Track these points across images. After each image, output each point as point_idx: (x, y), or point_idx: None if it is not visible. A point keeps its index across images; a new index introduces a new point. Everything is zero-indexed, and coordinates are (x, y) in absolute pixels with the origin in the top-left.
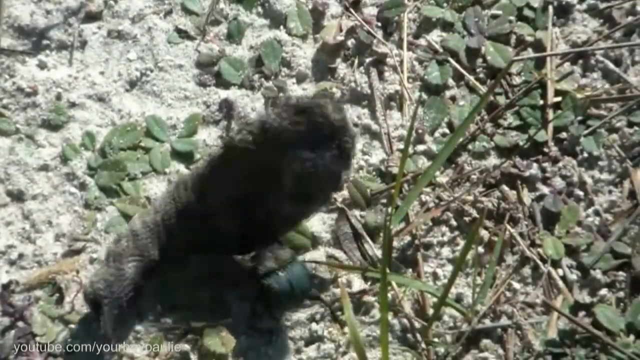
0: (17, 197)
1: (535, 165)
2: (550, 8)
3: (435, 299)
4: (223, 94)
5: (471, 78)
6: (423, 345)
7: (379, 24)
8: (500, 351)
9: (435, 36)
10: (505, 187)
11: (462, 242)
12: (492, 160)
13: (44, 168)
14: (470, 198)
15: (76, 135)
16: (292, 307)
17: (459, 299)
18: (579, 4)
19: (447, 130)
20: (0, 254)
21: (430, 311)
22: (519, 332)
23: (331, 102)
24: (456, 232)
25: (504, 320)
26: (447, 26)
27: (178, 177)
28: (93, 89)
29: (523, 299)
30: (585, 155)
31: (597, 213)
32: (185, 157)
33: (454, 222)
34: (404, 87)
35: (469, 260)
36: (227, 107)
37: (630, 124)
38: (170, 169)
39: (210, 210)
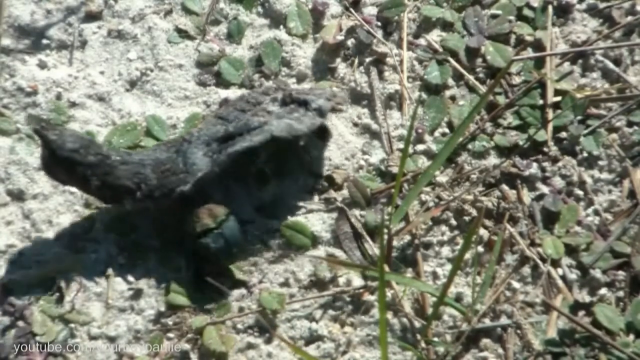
0: (18, 196)
1: (535, 164)
2: (550, 8)
3: (435, 299)
4: (223, 93)
5: (471, 78)
6: (423, 345)
7: (379, 23)
8: (500, 350)
9: (435, 36)
10: (505, 187)
11: (462, 242)
12: (492, 159)
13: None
14: (470, 197)
15: None
16: (229, 263)
17: (458, 298)
18: (579, 3)
19: (447, 130)
20: (0, 253)
21: (430, 310)
22: (518, 331)
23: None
24: (456, 232)
25: (504, 320)
26: (447, 26)
27: None
28: (93, 88)
29: (523, 298)
30: (585, 154)
31: (596, 212)
32: None
33: (453, 222)
34: (403, 86)
35: (468, 260)
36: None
37: (630, 124)
38: None
39: None
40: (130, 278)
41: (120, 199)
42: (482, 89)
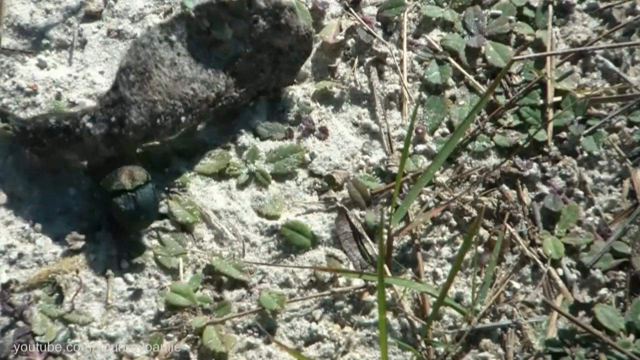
0: (17, 196)
1: (535, 164)
2: (550, 7)
3: (435, 299)
4: None
5: (471, 77)
6: (423, 345)
7: (379, 23)
8: (500, 351)
9: (435, 36)
10: (505, 187)
11: (462, 242)
12: (492, 159)
13: (44, 167)
14: (470, 197)
15: None
16: (136, 229)
17: (458, 298)
18: (579, 3)
19: (447, 130)
20: (0, 253)
21: (430, 311)
22: (518, 331)
23: None
24: (456, 232)
25: (504, 320)
26: (447, 26)
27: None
28: (93, 88)
29: (523, 299)
30: (585, 154)
31: (597, 212)
32: (185, 156)
33: (453, 222)
34: (403, 86)
35: (468, 260)
36: None
37: (630, 124)
38: (170, 168)
39: None
40: (130, 278)
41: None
42: (482, 88)
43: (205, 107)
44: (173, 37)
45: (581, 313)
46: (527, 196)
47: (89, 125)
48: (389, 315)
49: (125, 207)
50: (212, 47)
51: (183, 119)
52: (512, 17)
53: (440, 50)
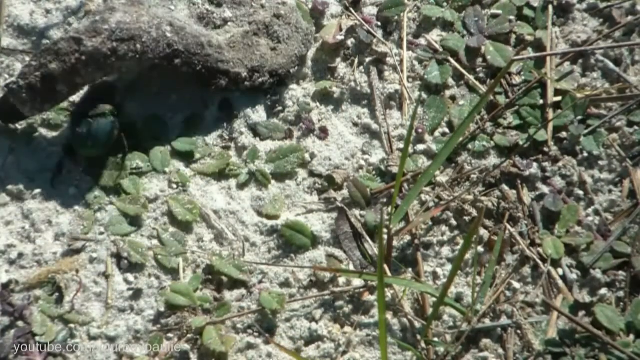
0: (17, 196)
1: (535, 164)
2: (550, 7)
3: (435, 299)
4: (223, 93)
5: (471, 77)
6: (423, 345)
7: (379, 23)
8: (500, 351)
9: (435, 36)
10: (505, 187)
11: (462, 242)
12: (492, 159)
13: (44, 167)
14: (470, 197)
15: None
16: (84, 154)
17: (458, 298)
18: (579, 3)
19: (447, 130)
20: (0, 253)
21: (430, 311)
22: (518, 331)
23: None
24: (456, 232)
25: (504, 320)
26: (447, 26)
27: None
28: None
29: (523, 299)
30: (585, 154)
31: (597, 212)
32: (185, 156)
33: (454, 222)
34: (403, 86)
35: (468, 260)
36: (227, 107)
37: (630, 124)
38: (170, 168)
39: None
40: (130, 278)
41: None
42: (482, 88)
43: (194, 44)
44: (172, 6)
45: (581, 313)
46: (527, 196)
47: (75, 25)
48: (389, 315)
49: (79, 131)
50: (210, 25)
51: (169, 34)
52: (512, 17)
53: (440, 50)
